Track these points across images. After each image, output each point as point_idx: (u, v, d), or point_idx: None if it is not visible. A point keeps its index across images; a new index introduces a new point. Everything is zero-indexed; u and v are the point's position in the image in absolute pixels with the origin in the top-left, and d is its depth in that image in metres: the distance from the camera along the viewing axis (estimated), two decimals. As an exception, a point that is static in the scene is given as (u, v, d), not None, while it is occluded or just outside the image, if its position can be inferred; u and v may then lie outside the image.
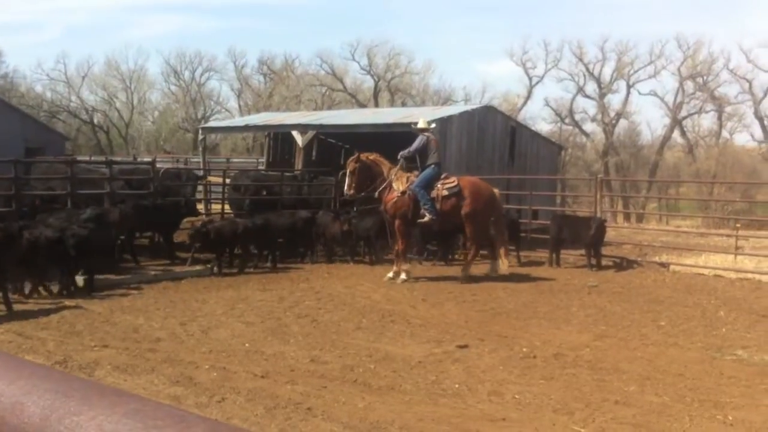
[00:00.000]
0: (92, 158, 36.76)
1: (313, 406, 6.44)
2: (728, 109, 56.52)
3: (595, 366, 8.18)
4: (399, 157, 14.78)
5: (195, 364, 7.79)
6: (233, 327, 9.73)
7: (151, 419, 1.31)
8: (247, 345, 8.73)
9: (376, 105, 58.29)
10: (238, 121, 38.77)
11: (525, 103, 61.03)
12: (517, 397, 6.99)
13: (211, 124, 47.60)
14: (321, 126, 25.62)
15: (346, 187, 14.52)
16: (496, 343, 9.13)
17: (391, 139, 25.08)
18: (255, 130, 35.77)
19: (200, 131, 30.48)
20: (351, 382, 7.34)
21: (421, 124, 15.26)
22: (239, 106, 67.72)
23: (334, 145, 29.69)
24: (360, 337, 9.38)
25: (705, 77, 56.13)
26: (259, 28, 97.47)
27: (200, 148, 29.24)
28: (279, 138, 29.01)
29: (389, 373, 7.67)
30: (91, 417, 1.36)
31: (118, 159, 30.27)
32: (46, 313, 10.17)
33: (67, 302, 10.93)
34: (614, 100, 59.34)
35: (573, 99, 59.53)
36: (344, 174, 14.88)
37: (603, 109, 58.40)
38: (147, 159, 26.93)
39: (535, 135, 28.77)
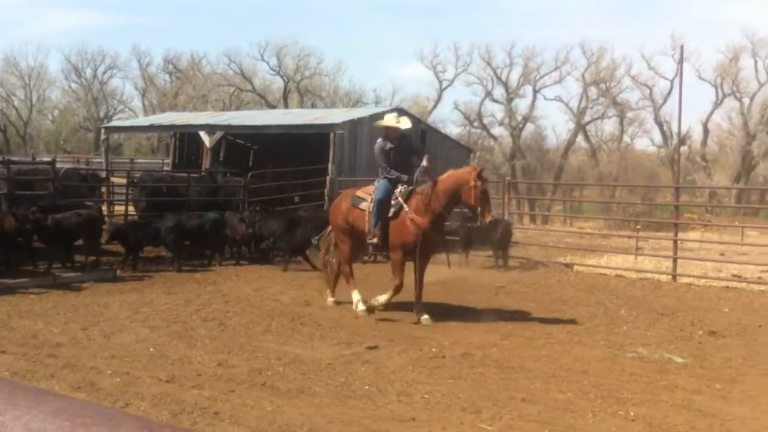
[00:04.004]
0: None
1: (221, 411, 6.31)
2: (629, 114, 58.60)
3: (502, 365, 8.30)
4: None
5: (97, 369, 7.54)
6: (137, 331, 9.46)
7: (78, 417, 1.28)
8: (151, 349, 8.51)
9: (286, 106, 57.97)
10: (143, 120, 37.98)
11: (435, 106, 61.79)
12: (426, 397, 7.01)
13: (115, 123, 46.47)
14: (229, 126, 25.35)
15: (490, 212, 11.06)
16: (406, 344, 9.16)
17: (301, 141, 25.07)
18: (160, 130, 35.14)
19: (103, 131, 29.74)
20: (259, 385, 7.23)
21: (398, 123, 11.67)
22: (143, 105, 66.29)
23: (242, 146, 29.38)
24: (269, 339, 9.27)
25: (608, 83, 58.02)
26: (164, 25, 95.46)
27: (103, 148, 28.47)
28: (185, 138, 28.52)
29: (298, 376, 7.59)
30: (17, 416, 1.32)
31: (16, 159, 29.13)
32: (-63, 319, 9.69)
33: (-40, 307, 10.45)
34: (521, 105, 60.76)
35: (481, 103, 60.64)
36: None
37: (510, 113, 59.63)
38: (47, 159, 26.04)
39: (445, 138, 29.15)
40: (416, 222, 10.74)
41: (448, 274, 12.77)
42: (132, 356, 8.17)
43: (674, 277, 15.73)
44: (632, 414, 6.67)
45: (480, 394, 7.16)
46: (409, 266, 11.16)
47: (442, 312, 11.32)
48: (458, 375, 7.84)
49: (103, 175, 21.85)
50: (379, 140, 11.43)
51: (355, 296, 11.35)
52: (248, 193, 19.86)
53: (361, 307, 11.16)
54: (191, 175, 21.25)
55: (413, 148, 11.74)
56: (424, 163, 10.94)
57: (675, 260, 16.30)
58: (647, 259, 19.15)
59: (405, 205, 10.85)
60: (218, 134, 24.55)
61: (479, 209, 10.70)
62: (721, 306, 12.69)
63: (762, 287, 14.81)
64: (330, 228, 12.26)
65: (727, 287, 14.80)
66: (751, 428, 6.39)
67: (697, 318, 11.42)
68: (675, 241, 16.86)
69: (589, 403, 6.94)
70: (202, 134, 24.54)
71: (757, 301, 13.28)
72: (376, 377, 7.65)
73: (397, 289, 10.91)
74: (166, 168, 29.01)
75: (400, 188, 11.01)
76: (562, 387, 7.47)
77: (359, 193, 11.59)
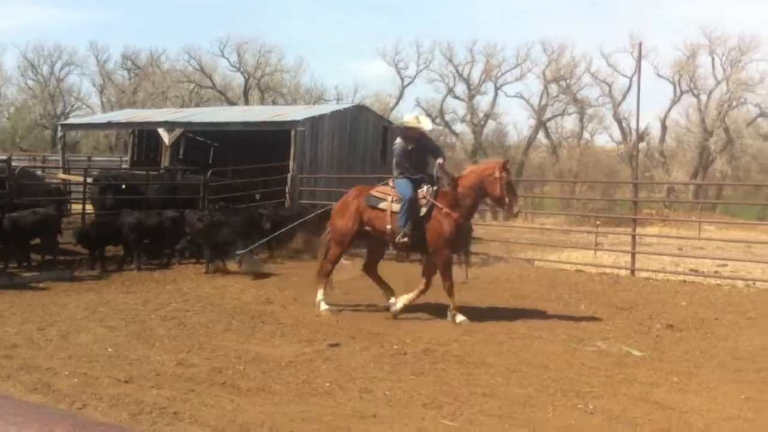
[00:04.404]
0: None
1: (180, 410, 6.25)
2: (589, 111, 59.07)
3: (463, 360, 8.33)
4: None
5: (54, 370, 7.42)
6: (95, 331, 9.32)
7: (11, 415, 1.26)
8: (109, 350, 8.39)
9: (247, 103, 57.56)
10: (101, 117, 37.51)
11: (397, 103, 61.68)
12: (387, 393, 7.01)
13: (72, 120, 45.81)
14: (189, 124, 25.10)
15: (517, 202, 11.29)
16: (368, 341, 9.16)
17: (262, 138, 24.93)
18: (118, 128, 34.69)
19: (60, 128, 29.33)
20: (219, 384, 7.18)
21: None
22: (101, 102, 65.17)
23: (202, 143, 29.13)
24: (229, 338, 9.20)
25: (568, 80, 58.46)
26: (122, 20, 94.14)
27: (60, 146, 28.04)
28: (144, 136, 28.22)
29: (259, 374, 7.55)
30: (-53, 416, 1.28)
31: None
32: None
33: None
34: (482, 102, 60.95)
35: (443, 100, 60.74)
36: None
37: (472, 110, 59.86)
38: (2, 157, 25.56)
39: (406, 134, 29.12)
40: (452, 217, 10.77)
41: (412, 270, 12.82)
42: (90, 357, 8.05)
43: (633, 272, 15.91)
44: (591, 407, 6.74)
45: (441, 389, 7.18)
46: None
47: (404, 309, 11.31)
48: (420, 371, 7.85)
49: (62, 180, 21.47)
50: (399, 141, 11.34)
51: (320, 295, 11.30)
52: (208, 191, 19.66)
53: (324, 306, 11.12)
54: (150, 172, 21.00)
55: (430, 147, 11.62)
56: (440, 161, 11.00)
57: (633, 255, 16.49)
58: (606, 254, 19.38)
59: (436, 203, 10.83)
60: (177, 131, 24.29)
61: (506, 200, 10.78)
62: (678, 300, 12.86)
63: (718, 281, 15.05)
64: (329, 230, 11.92)
65: (685, 281, 15.01)
66: (708, 420, 6.48)
67: (655, 312, 11.57)
68: (633, 237, 17.05)
69: (549, 397, 7.00)
70: (161, 131, 24.26)
71: (713, 294, 13.48)
72: (337, 374, 7.63)
73: (451, 289, 10.85)
74: (124, 166, 28.65)
75: (425, 187, 10.98)
76: (522, 381, 7.53)
77: (374, 193, 11.41)
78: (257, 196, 22.20)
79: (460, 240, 11.17)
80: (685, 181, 51.17)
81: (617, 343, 9.43)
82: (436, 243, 10.88)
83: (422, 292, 11.11)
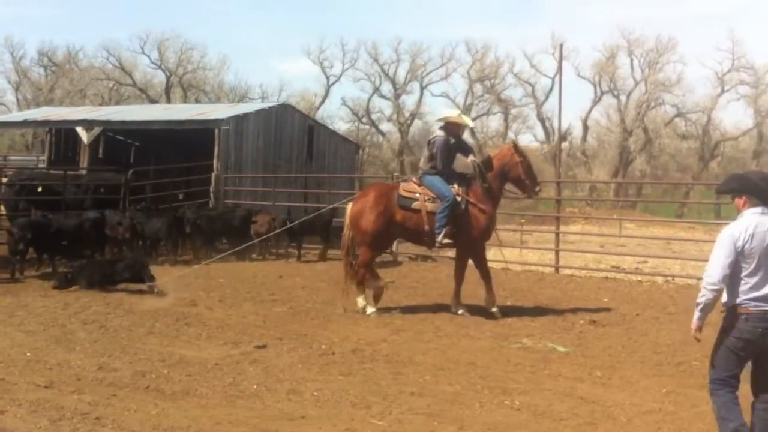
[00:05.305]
0: None
1: (102, 416, 6.10)
2: (513, 111, 59.93)
3: (391, 359, 8.33)
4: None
5: (-31, 377, 7.16)
6: (12, 336, 9.00)
7: None
8: (28, 354, 8.13)
9: (169, 101, 56.55)
10: (16, 116, 36.41)
11: (323, 102, 61.60)
12: (315, 394, 6.97)
13: (-13, 119, 44.26)
14: (108, 122, 24.54)
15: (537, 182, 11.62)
16: (295, 342, 9.07)
17: (185, 137, 24.53)
18: (35, 126, 33.73)
19: (-27, 127, 28.30)
20: (143, 388, 7.02)
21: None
22: (17, 100, 63.15)
23: (123, 142, 28.51)
24: (152, 341, 8.99)
25: (492, 80, 59.19)
26: (38, 15, 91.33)
27: (-27, 145, 27.07)
28: (62, 135, 27.48)
29: (184, 378, 7.40)
30: None
31: None
32: None
33: None
34: (409, 101, 61.20)
35: (369, 99, 60.79)
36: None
37: (398, 109, 60.08)
38: None
39: (333, 134, 29.15)
40: (486, 211, 11.07)
41: (337, 271, 12.74)
42: (7, 362, 7.79)
43: (557, 269, 16.19)
44: (518, 403, 6.82)
45: (370, 389, 7.17)
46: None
47: (332, 309, 11.27)
48: (348, 371, 7.82)
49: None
50: (442, 134, 11.32)
51: (361, 301, 11.15)
52: (130, 191, 19.21)
53: (371, 310, 11.02)
54: (67, 172, 20.44)
55: (463, 145, 11.76)
56: (472, 157, 11.32)
57: (557, 252, 16.78)
58: (531, 251, 19.66)
59: (470, 199, 11.00)
60: (97, 130, 23.73)
61: (528, 182, 11.21)
62: (600, 296, 13.13)
63: (639, 277, 15.43)
64: (349, 231, 11.45)
65: (607, 278, 15.35)
66: (630, 413, 6.62)
67: (578, 308, 11.77)
68: (557, 234, 17.36)
69: (477, 394, 7.07)
70: (80, 130, 23.68)
71: (634, 290, 13.80)
72: (264, 376, 7.54)
73: (490, 278, 11.32)
74: (41, 165, 27.82)
75: (455, 185, 11.06)
76: (450, 379, 7.57)
77: (403, 193, 11.24)
78: (180, 196, 21.84)
79: (493, 230, 11.50)
80: (606, 179, 52.41)
81: (542, 339, 9.56)
82: (475, 239, 11.13)
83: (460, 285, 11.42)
